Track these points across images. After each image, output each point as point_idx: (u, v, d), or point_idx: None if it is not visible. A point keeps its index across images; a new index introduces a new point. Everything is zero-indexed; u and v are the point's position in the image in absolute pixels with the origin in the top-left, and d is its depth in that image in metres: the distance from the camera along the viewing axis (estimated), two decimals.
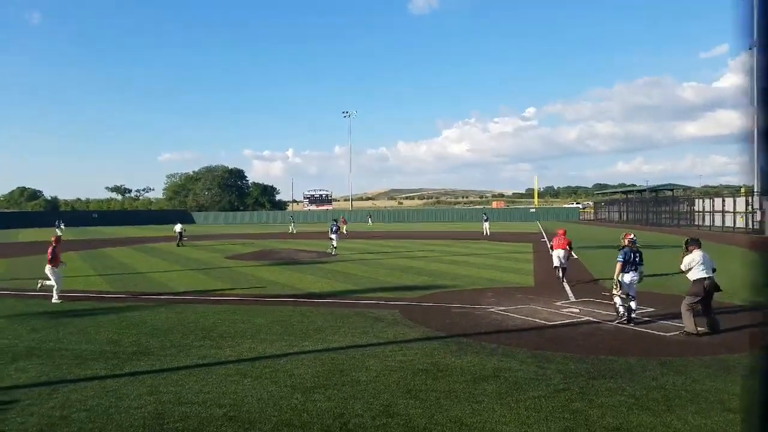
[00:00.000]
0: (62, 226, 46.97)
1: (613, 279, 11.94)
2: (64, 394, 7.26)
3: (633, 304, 11.53)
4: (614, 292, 11.76)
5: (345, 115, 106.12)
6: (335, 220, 34.36)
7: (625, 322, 11.45)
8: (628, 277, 11.61)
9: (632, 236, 12.18)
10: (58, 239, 15.93)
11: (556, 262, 18.29)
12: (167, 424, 6.24)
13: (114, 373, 8.28)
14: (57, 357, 9.12)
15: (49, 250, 15.12)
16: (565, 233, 18.67)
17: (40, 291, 15.47)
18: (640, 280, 11.81)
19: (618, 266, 11.64)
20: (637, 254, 11.78)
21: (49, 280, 15.06)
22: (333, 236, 29.99)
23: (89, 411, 6.64)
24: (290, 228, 57.18)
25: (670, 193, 72.02)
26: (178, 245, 36.04)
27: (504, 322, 11.81)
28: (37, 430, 6.10)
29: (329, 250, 29.54)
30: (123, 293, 16.48)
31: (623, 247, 11.86)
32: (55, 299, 14.76)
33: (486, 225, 46.40)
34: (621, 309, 11.64)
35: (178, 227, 37.84)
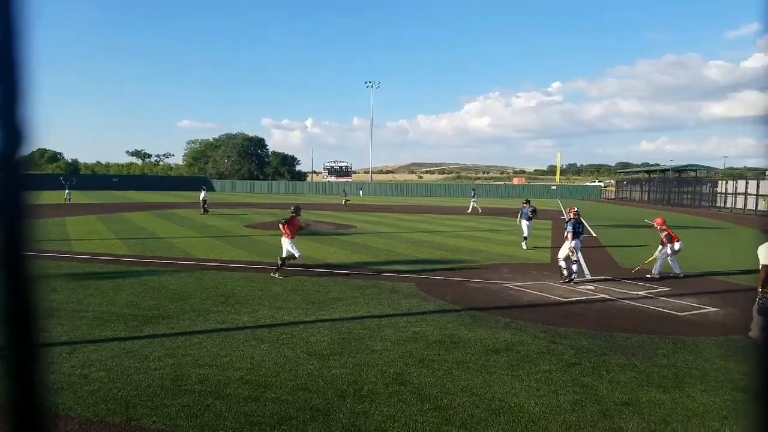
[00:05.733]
0: (69, 189, 46.26)
1: (568, 246, 13.74)
2: (84, 354, 7.46)
3: (575, 267, 13.70)
4: (572, 257, 13.71)
5: (368, 85, 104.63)
6: (528, 202, 21.77)
7: (569, 281, 13.50)
8: (578, 243, 13.88)
9: (576, 209, 14.60)
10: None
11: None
12: (185, 385, 6.42)
13: (133, 335, 8.49)
14: (77, 318, 9.33)
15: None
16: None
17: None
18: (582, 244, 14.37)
19: (570, 235, 13.76)
20: (581, 224, 14.36)
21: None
22: (524, 222, 20.96)
23: (108, 371, 6.83)
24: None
25: (693, 173, 70.76)
26: (202, 213, 35.23)
27: (518, 297, 11.86)
28: (58, 388, 6.26)
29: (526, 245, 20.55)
30: (142, 257, 16.73)
31: (570, 219, 14.13)
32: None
33: (473, 202, 44.45)
34: (574, 267, 13.68)
35: (202, 194, 36.81)
